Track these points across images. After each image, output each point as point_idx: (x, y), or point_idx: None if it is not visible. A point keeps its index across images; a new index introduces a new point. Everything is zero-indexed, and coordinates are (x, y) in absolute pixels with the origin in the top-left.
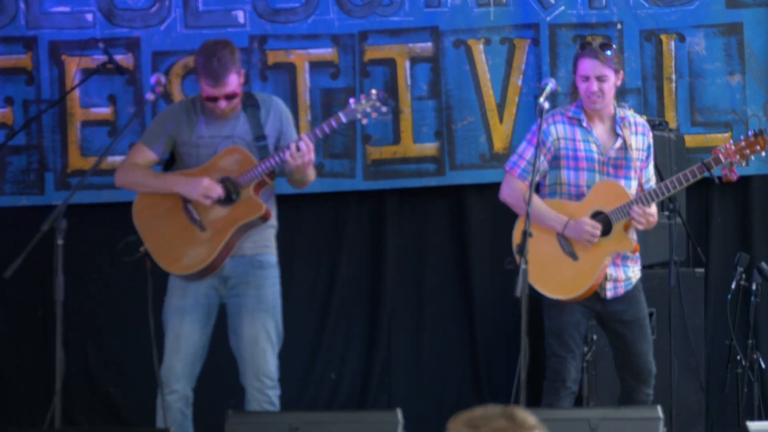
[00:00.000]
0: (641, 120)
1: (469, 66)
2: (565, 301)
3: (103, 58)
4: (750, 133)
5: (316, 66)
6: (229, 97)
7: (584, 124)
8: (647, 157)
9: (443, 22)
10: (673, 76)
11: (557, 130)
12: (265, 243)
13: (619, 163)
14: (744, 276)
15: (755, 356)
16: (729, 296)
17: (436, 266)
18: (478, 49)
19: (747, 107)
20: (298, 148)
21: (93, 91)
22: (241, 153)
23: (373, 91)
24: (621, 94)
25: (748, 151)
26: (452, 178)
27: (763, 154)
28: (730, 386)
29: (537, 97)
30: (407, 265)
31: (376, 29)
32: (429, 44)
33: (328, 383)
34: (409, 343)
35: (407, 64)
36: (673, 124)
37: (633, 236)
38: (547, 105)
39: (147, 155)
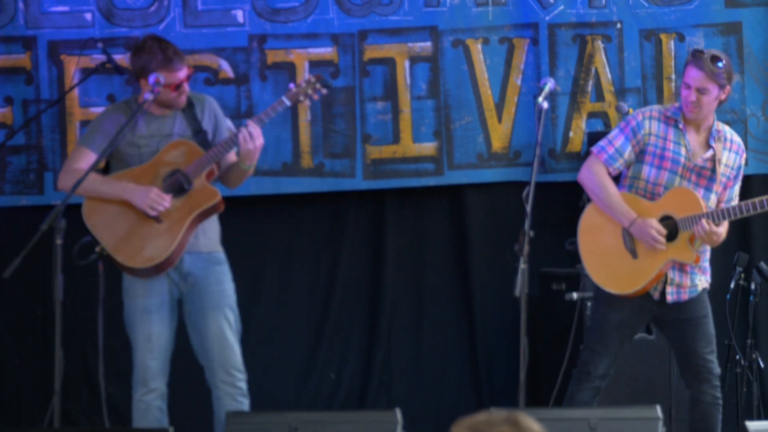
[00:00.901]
0: (738, 139)
1: (467, 66)
2: (617, 297)
3: (102, 57)
4: None
5: (315, 65)
6: (188, 78)
7: (680, 125)
8: (736, 176)
9: (442, 21)
10: (673, 76)
11: (651, 125)
12: (217, 240)
13: (704, 173)
14: (743, 276)
15: (754, 356)
16: (728, 296)
17: (436, 266)
18: (476, 48)
19: (746, 107)
20: (250, 134)
21: (92, 90)
22: (186, 145)
23: (313, 76)
24: (621, 93)
25: None
26: (450, 178)
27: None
28: (729, 386)
29: (536, 96)
30: (407, 265)
31: (376, 29)
32: (428, 44)
33: (327, 383)
34: (409, 343)
35: (407, 63)
36: None
37: (700, 248)
38: (546, 105)
39: (88, 157)
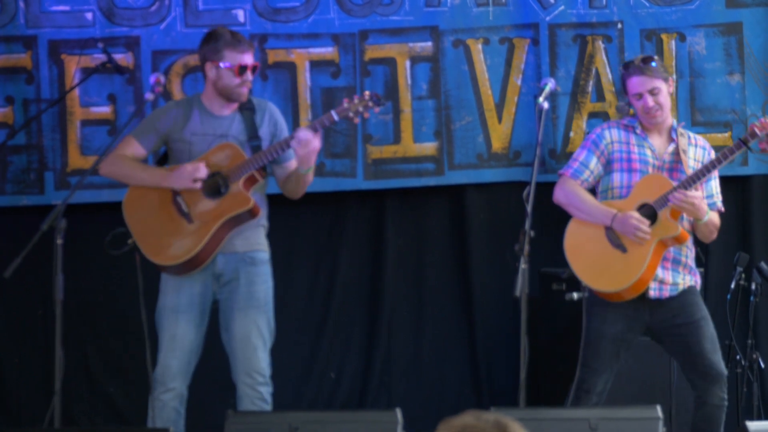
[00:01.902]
0: (701, 138)
1: (468, 66)
2: (620, 295)
3: (102, 57)
4: None
5: (316, 65)
6: (254, 70)
7: (638, 131)
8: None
9: (443, 21)
10: (674, 76)
11: (611, 134)
12: (257, 240)
13: (675, 167)
14: (743, 276)
15: (755, 356)
16: (728, 296)
17: (436, 266)
18: (477, 48)
19: (746, 107)
20: (299, 139)
21: (93, 90)
22: (232, 149)
23: (367, 93)
24: (621, 93)
25: None
26: (451, 178)
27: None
28: (729, 386)
29: (536, 97)
30: (407, 265)
31: (377, 28)
32: (429, 44)
33: (327, 383)
34: (409, 343)
35: (407, 63)
36: None
37: (683, 224)
38: (546, 105)
39: (135, 149)
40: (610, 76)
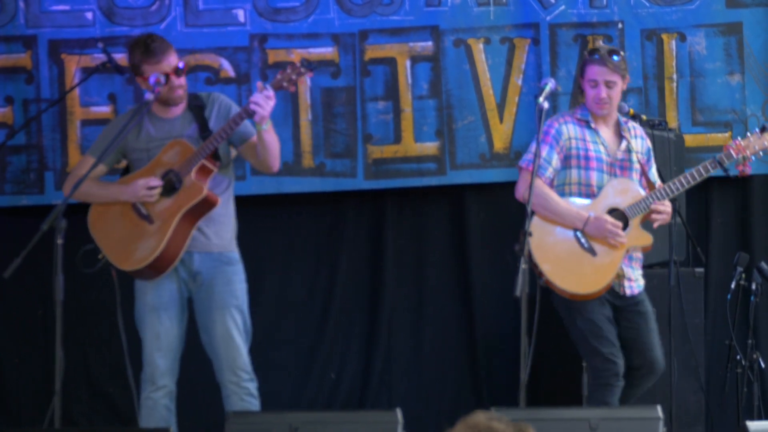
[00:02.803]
0: (637, 125)
1: (469, 65)
2: (586, 297)
3: (103, 57)
4: (756, 129)
5: (316, 65)
6: (178, 72)
7: (592, 125)
8: (648, 159)
9: (443, 21)
10: (674, 76)
11: (568, 130)
12: (230, 240)
13: (625, 165)
14: (744, 276)
15: (755, 356)
16: (729, 296)
17: (436, 266)
18: (478, 48)
19: (746, 107)
20: (258, 104)
21: (93, 89)
22: (180, 144)
23: (297, 60)
24: (622, 93)
25: (756, 147)
26: (453, 178)
27: (761, 153)
28: (729, 386)
29: (537, 96)
30: (407, 265)
31: (377, 28)
32: (429, 43)
33: (328, 383)
34: (409, 343)
35: (408, 63)
36: (674, 124)
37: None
38: (546, 105)
39: (96, 168)
40: None
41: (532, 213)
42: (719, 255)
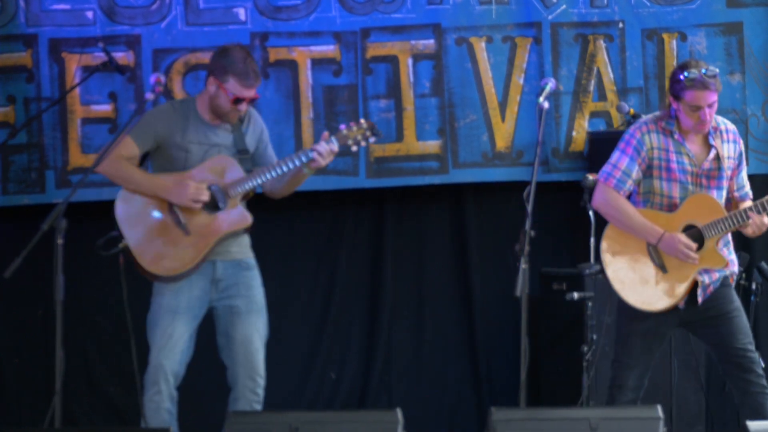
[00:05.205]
0: (732, 127)
1: (471, 64)
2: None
3: (104, 55)
4: None
5: (318, 63)
6: (252, 100)
7: (676, 136)
8: (739, 164)
9: (445, 19)
10: None
11: (651, 140)
12: (248, 245)
13: (713, 174)
14: (744, 276)
15: None
16: None
17: (436, 266)
18: (480, 47)
19: (746, 106)
20: (320, 153)
21: (93, 88)
22: (230, 163)
23: (363, 122)
24: (623, 93)
25: None
26: (455, 176)
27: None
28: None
29: (537, 96)
30: (407, 265)
31: (378, 26)
32: (431, 41)
33: (328, 383)
34: (409, 343)
35: (410, 61)
36: None
37: (726, 253)
38: (546, 105)
39: (133, 150)
40: (611, 75)
41: (532, 215)
42: None
